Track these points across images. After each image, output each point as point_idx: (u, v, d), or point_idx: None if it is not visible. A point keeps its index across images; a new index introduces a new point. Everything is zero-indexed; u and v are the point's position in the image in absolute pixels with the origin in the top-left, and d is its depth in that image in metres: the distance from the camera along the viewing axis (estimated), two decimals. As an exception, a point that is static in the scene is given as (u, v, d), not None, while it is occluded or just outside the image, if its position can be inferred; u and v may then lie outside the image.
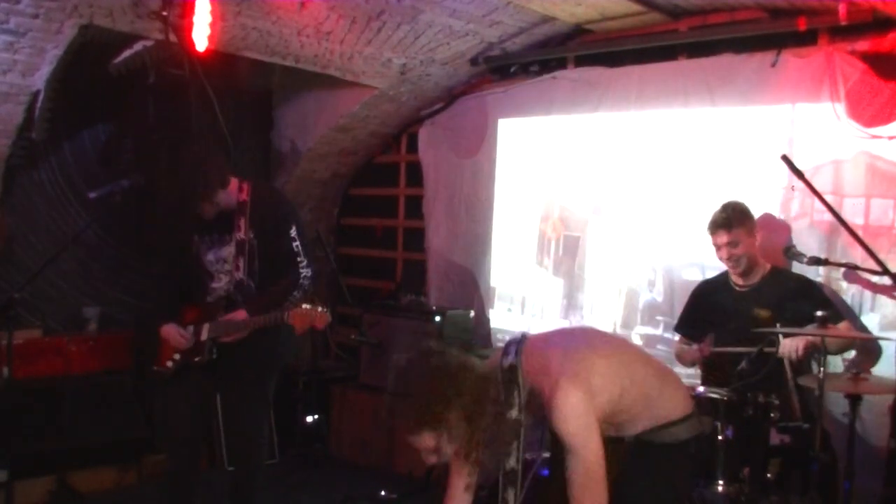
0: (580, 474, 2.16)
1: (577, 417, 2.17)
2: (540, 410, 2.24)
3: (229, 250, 3.42)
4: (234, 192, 3.41)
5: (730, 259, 3.56)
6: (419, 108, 5.41)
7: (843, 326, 3.41)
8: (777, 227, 3.86)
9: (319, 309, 3.27)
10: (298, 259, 3.43)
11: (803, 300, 3.41)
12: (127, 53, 4.53)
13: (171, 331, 3.39)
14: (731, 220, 3.52)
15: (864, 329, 3.61)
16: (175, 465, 3.49)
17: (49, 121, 4.19)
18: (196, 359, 3.38)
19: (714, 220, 3.56)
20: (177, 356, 3.41)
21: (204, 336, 3.38)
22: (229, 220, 3.42)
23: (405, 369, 2.24)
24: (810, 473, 3.02)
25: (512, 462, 2.25)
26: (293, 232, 3.44)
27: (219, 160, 3.43)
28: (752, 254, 3.55)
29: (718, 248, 3.58)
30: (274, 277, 3.43)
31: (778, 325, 3.31)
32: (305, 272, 3.46)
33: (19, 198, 4.48)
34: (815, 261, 3.54)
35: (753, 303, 3.52)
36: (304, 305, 3.27)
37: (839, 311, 3.50)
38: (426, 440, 2.15)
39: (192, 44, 3.63)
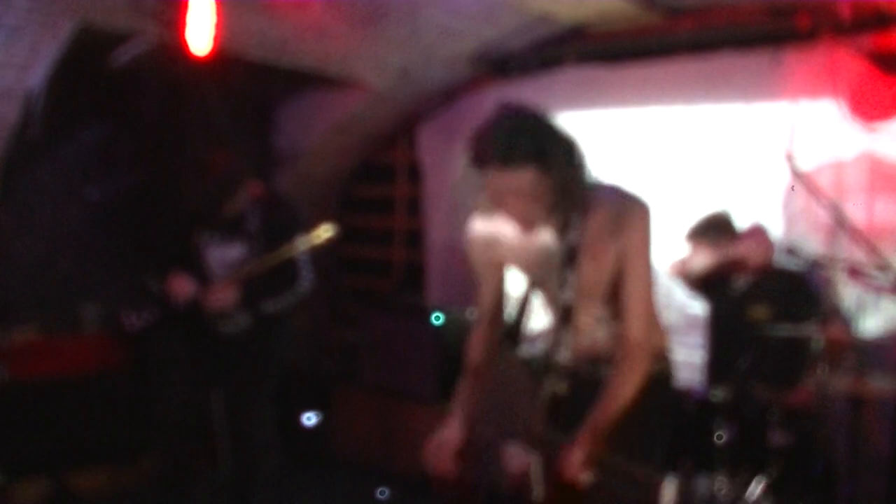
0: (641, 299, 2.10)
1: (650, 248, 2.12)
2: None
3: (237, 250, 3.43)
4: (249, 192, 3.43)
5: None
6: (419, 108, 5.39)
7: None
8: (763, 240, 3.84)
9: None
10: (300, 267, 3.45)
11: (796, 297, 3.42)
12: (126, 53, 4.51)
13: (180, 278, 3.38)
14: (696, 231, 3.65)
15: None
16: (168, 458, 3.49)
17: (47, 120, 4.17)
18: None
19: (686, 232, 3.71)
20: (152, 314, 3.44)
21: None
22: (239, 221, 3.43)
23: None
24: (812, 475, 3.00)
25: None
26: (298, 241, 3.45)
27: (240, 159, 3.46)
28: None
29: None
30: (274, 282, 3.43)
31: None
32: (306, 281, 3.48)
33: (17, 198, 4.47)
34: (815, 262, 3.52)
35: (747, 303, 3.52)
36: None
37: (833, 308, 3.48)
38: (528, 177, 2.00)
39: (189, 44, 3.61)
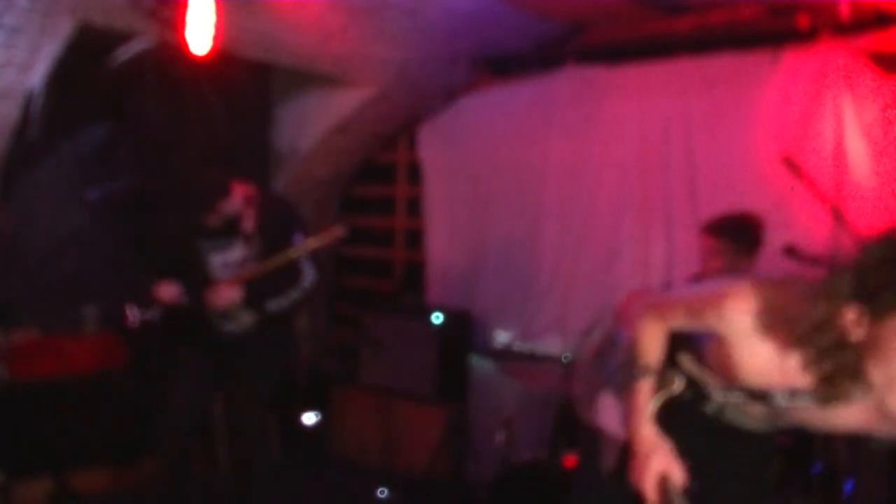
0: None
1: None
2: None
3: (237, 253, 3.43)
4: (236, 196, 3.42)
5: (705, 267, 3.32)
6: (419, 108, 5.39)
7: None
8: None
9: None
10: (302, 263, 3.45)
11: None
12: (126, 53, 4.52)
13: (168, 287, 3.39)
14: (721, 228, 3.25)
15: None
16: (168, 458, 3.50)
17: (47, 120, 4.18)
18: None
19: (706, 222, 3.32)
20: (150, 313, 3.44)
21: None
22: (234, 224, 3.43)
23: None
24: (812, 475, 3.00)
25: None
26: (297, 239, 3.45)
27: (216, 170, 3.45)
28: (730, 272, 3.19)
29: (701, 250, 3.34)
30: (278, 280, 3.43)
31: None
32: (309, 277, 3.47)
33: (18, 198, 4.47)
34: (814, 261, 3.49)
35: None
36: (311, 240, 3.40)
37: None
38: None
39: (189, 44, 3.62)
